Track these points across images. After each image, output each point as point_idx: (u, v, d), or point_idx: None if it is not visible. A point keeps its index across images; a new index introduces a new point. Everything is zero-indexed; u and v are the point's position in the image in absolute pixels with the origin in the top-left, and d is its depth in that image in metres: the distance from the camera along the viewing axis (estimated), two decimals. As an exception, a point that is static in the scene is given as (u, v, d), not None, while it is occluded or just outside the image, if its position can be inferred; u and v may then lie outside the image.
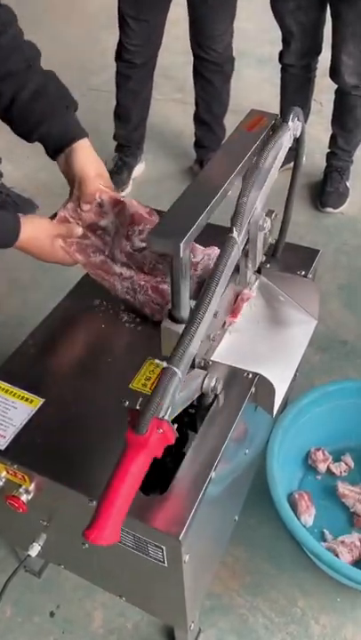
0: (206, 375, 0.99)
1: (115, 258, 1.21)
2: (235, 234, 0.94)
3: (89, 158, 1.18)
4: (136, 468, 0.79)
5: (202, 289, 0.90)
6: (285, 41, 2.32)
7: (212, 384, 0.99)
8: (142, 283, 1.18)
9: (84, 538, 0.77)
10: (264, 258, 1.21)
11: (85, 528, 0.77)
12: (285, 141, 1.09)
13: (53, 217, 1.22)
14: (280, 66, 2.43)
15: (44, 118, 1.16)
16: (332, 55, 2.21)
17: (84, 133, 1.18)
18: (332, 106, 2.41)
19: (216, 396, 1.06)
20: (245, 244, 1.09)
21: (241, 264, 1.16)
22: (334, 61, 2.22)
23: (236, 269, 1.16)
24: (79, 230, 1.21)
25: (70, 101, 1.21)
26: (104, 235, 1.22)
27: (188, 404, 0.96)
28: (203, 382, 0.98)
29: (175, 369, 0.81)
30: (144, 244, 1.18)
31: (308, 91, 2.49)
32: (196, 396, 1.00)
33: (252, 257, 1.14)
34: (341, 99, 2.34)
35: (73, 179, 1.19)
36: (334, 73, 2.25)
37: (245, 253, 1.13)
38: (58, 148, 1.18)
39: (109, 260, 1.21)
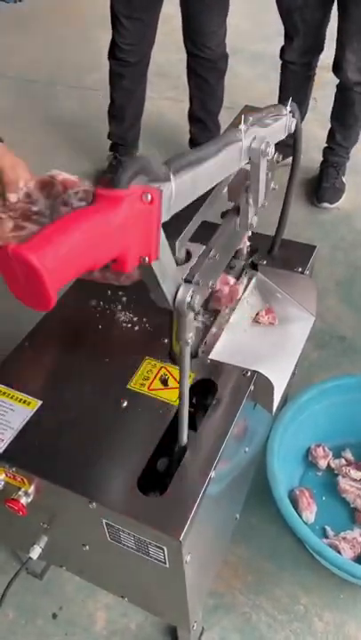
0: (181, 284, 0.82)
1: None
2: (242, 126, 0.89)
3: (3, 154, 1.17)
4: (100, 223, 0.57)
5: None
6: (288, 37, 2.30)
7: (188, 299, 0.81)
8: None
9: (9, 251, 0.56)
10: (266, 204, 1.13)
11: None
12: (281, 123, 1.06)
13: None
14: (280, 62, 2.42)
15: None
16: (337, 51, 2.21)
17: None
18: (333, 101, 2.40)
19: (214, 393, 1.05)
20: (246, 181, 1.04)
21: (242, 202, 1.09)
22: (338, 57, 2.21)
23: (237, 211, 1.10)
24: (9, 224, 1.16)
25: None
26: (40, 218, 1.17)
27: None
28: (176, 292, 0.82)
29: (169, 172, 0.68)
30: (83, 203, 1.12)
31: (307, 88, 2.47)
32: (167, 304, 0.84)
33: (254, 191, 1.07)
34: (342, 94, 2.33)
35: None
36: (337, 68, 2.24)
37: (246, 188, 1.07)
38: None
39: None
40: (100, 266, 0.62)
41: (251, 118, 0.93)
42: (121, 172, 0.60)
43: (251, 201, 1.09)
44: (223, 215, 1.10)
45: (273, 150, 1.00)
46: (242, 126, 0.90)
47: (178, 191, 0.71)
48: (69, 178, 1.16)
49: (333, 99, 2.39)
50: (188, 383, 0.92)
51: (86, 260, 0.58)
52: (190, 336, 0.87)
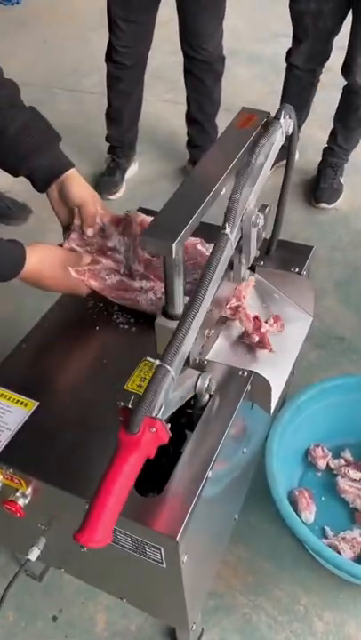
0: (200, 375, 0.98)
1: (132, 274, 1.20)
2: (227, 230, 0.93)
3: (83, 185, 1.21)
4: (128, 468, 0.77)
5: (196, 285, 0.89)
6: (297, 40, 2.30)
7: (206, 384, 0.99)
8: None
9: (74, 541, 0.76)
10: (258, 253, 1.20)
11: (76, 531, 0.76)
12: (277, 138, 1.08)
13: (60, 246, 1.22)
14: (277, 64, 2.43)
15: (32, 152, 1.17)
16: (347, 54, 2.21)
17: (72, 164, 1.21)
18: (338, 102, 2.40)
19: (211, 396, 1.05)
20: (239, 241, 1.08)
21: (235, 260, 1.15)
22: (348, 60, 2.22)
23: (230, 266, 1.15)
24: (88, 257, 1.20)
25: (55, 135, 1.21)
26: (115, 254, 1.21)
27: (182, 403, 0.95)
28: (197, 382, 0.98)
29: (168, 367, 0.80)
30: None
31: (309, 94, 2.47)
32: (191, 396, 1.00)
33: (246, 253, 1.13)
34: (348, 96, 2.34)
35: (69, 208, 1.20)
36: (347, 70, 2.25)
37: (239, 250, 1.12)
38: (47, 181, 1.19)
39: (126, 278, 1.20)
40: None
41: (236, 209, 0.96)
42: (134, 416, 0.77)
43: (243, 260, 1.15)
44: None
45: (263, 220, 1.06)
46: (227, 230, 0.93)
47: (178, 366, 0.83)
48: (147, 219, 1.19)
49: (339, 99, 2.39)
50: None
51: (123, 499, 0.79)
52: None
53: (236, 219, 0.96)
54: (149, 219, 1.20)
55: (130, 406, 0.80)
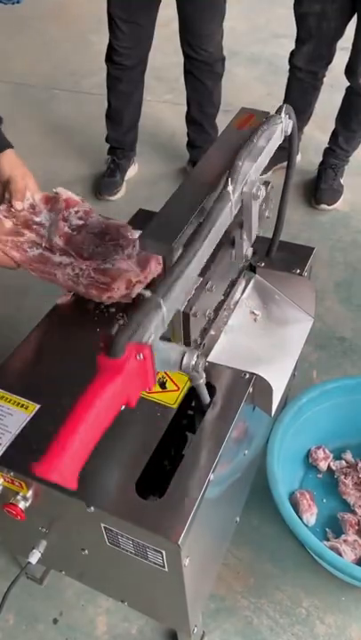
0: (186, 352, 0.87)
1: (53, 248, 1.23)
2: (230, 188, 0.91)
3: (14, 162, 1.26)
4: (106, 396, 0.65)
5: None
6: (300, 41, 2.29)
7: (193, 361, 0.86)
8: (83, 267, 1.20)
9: (30, 471, 0.64)
10: (260, 232, 1.17)
11: (34, 461, 0.65)
12: (277, 131, 1.07)
13: None
14: (276, 64, 2.43)
15: None
16: (351, 55, 2.21)
17: (10, 146, 1.27)
18: (340, 103, 2.40)
19: (212, 395, 1.05)
20: (240, 215, 1.06)
21: (236, 237, 1.12)
22: (352, 61, 2.21)
23: (232, 243, 1.13)
24: (8, 224, 1.24)
25: None
26: (39, 229, 1.25)
27: (164, 370, 0.87)
28: (182, 359, 0.87)
29: (159, 299, 0.72)
30: (81, 222, 1.22)
31: (312, 97, 2.46)
32: (176, 369, 0.89)
33: (247, 228, 1.10)
34: (350, 98, 2.33)
35: (1, 183, 1.26)
36: (350, 72, 2.24)
37: (240, 224, 1.10)
38: None
39: (47, 252, 1.23)
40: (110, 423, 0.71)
41: (239, 170, 0.94)
42: (117, 338, 0.67)
43: (245, 236, 1.13)
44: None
45: (264, 192, 1.03)
46: (229, 188, 0.92)
47: (170, 306, 0.76)
48: (73, 197, 1.25)
49: (341, 101, 2.39)
50: None
51: (99, 430, 0.67)
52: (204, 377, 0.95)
53: (238, 180, 0.93)
54: (75, 197, 1.26)
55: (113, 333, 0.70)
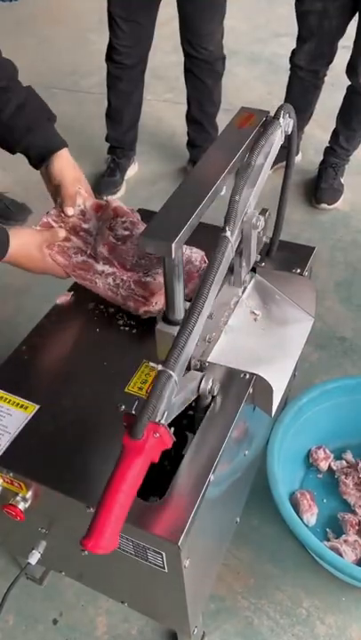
0: (203, 377, 0.98)
1: (97, 257, 1.23)
2: (228, 233, 0.93)
3: (67, 165, 1.26)
4: (133, 474, 0.77)
5: (195, 290, 0.89)
6: (301, 39, 2.29)
7: (209, 386, 0.98)
8: (125, 278, 1.19)
9: (81, 547, 0.76)
10: (258, 257, 1.20)
11: (83, 537, 0.76)
12: (277, 138, 1.08)
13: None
14: (276, 64, 2.42)
15: (27, 132, 1.23)
16: (352, 54, 2.20)
17: (65, 144, 1.26)
18: (341, 102, 2.40)
19: (213, 397, 1.05)
20: (239, 245, 1.07)
21: (235, 264, 1.15)
22: (353, 60, 2.21)
23: (230, 270, 1.15)
24: (62, 232, 1.24)
25: (50, 114, 1.27)
26: (86, 236, 1.25)
27: (185, 406, 0.95)
28: (200, 384, 0.98)
29: (170, 372, 0.80)
30: (127, 232, 1.22)
31: (313, 96, 2.45)
32: (193, 399, 0.99)
33: (247, 256, 1.13)
34: (351, 97, 2.33)
35: (54, 185, 1.26)
36: (351, 71, 2.24)
37: (239, 253, 1.12)
38: (41, 159, 1.25)
39: (91, 259, 1.23)
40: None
41: (235, 210, 0.96)
42: (137, 423, 0.77)
43: (244, 263, 1.15)
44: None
45: (263, 222, 1.06)
46: (227, 232, 0.93)
47: (180, 369, 0.83)
48: (122, 207, 1.26)
49: (342, 100, 2.38)
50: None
51: (129, 504, 0.78)
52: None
53: (236, 221, 0.95)
54: (124, 207, 1.26)
55: (133, 412, 0.80)
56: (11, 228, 1.15)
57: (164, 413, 0.80)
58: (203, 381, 0.98)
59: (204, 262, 1.22)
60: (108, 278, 1.20)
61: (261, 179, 1.04)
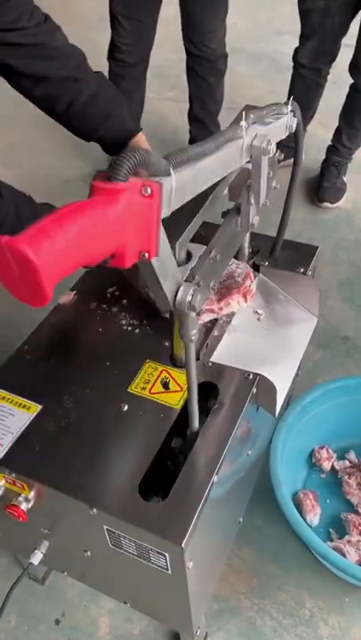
0: (181, 286, 0.81)
1: None
2: (243, 123, 0.88)
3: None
4: (97, 217, 0.54)
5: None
6: (303, 37, 2.27)
7: (188, 298, 0.80)
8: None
9: (2, 243, 0.53)
10: (267, 202, 1.12)
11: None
12: (282, 121, 1.05)
13: None
14: (279, 62, 2.41)
15: (102, 120, 1.23)
16: (355, 52, 2.19)
17: (138, 130, 1.26)
18: (344, 100, 2.38)
19: (216, 397, 1.04)
20: (248, 180, 1.03)
21: (243, 201, 1.07)
22: (356, 58, 2.20)
23: (237, 211, 1.08)
24: None
25: (122, 100, 1.27)
26: None
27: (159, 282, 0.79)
28: (176, 293, 0.81)
29: (171, 169, 0.67)
30: None
31: (316, 94, 2.44)
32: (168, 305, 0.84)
33: (256, 190, 1.06)
34: (354, 95, 2.32)
35: None
36: (353, 69, 2.23)
37: (247, 187, 1.06)
38: (117, 146, 1.25)
39: None
40: (98, 261, 0.61)
41: (252, 116, 0.92)
42: (120, 164, 0.59)
43: (252, 200, 1.08)
44: (224, 215, 1.09)
45: (274, 148, 0.99)
46: (243, 123, 0.89)
47: (178, 186, 0.69)
48: None
49: (345, 98, 2.37)
50: (195, 377, 0.92)
51: (83, 255, 0.57)
52: (194, 333, 0.87)
53: (252, 120, 0.91)
54: None
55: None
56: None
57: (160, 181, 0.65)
58: (181, 290, 0.79)
59: (250, 280, 1.18)
60: None
61: (268, 130, 0.99)
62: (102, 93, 1.23)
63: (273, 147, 0.97)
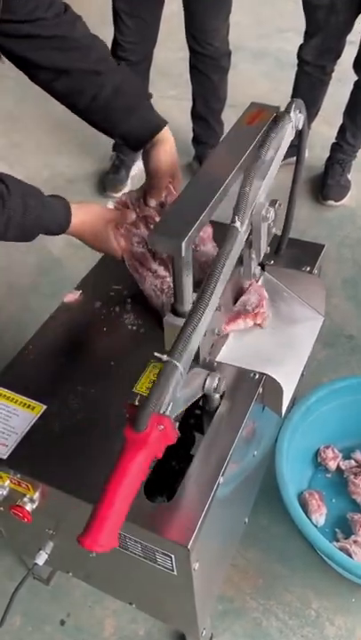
0: (208, 374, 0.96)
1: (155, 254, 1.20)
2: (237, 224, 0.91)
3: (166, 156, 1.22)
4: (135, 468, 0.73)
5: (203, 281, 0.86)
6: (308, 34, 2.26)
7: (215, 384, 0.96)
8: (171, 285, 1.16)
9: (78, 545, 0.72)
10: (268, 249, 1.17)
11: (80, 534, 0.72)
12: (288, 132, 1.05)
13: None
14: (282, 59, 2.39)
15: (125, 115, 1.19)
16: (360, 49, 2.18)
17: (164, 123, 1.21)
18: (348, 97, 2.37)
19: (222, 397, 1.03)
20: (249, 236, 1.05)
21: (245, 255, 1.12)
22: (360, 56, 2.19)
23: (240, 261, 1.13)
24: (133, 215, 1.20)
25: (144, 95, 1.23)
26: None
27: (190, 403, 0.93)
28: (205, 381, 0.95)
29: (176, 362, 0.77)
30: (192, 246, 1.19)
31: (320, 91, 2.42)
32: (200, 396, 0.97)
33: (257, 248, 1.10)
34: (358, 93, 2.30)
35: (149, 170, 1.22)
36: (358, 66, 2.22)
37: (249, 245, 1.09)
38: (140, 142, 1.22)
39: (149, 255, 1.20)
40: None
41: (246, 199, 0.94)
42: (141, 416, 0.73)
43: (253, 255, 1.12)
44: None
45: (274, 214, 1.03)
46: (237, 223, 0.91)
47: (187, 361, 0.80)
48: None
49: (349, 95, 2.36)
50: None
51: (131, 499, 0.74)
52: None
53: (246, 211, 0.93)
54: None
55: (137, 403, 0.77)
56: (78, 201, 1.12)
57: (169, 405, 0.77)
58: (208, 379, 0.95)
59: (262, 307, 1.18)
60: (157, 280, 1.18)
61: (271, 172, 1.02)
62: (126, 87, 1.18)
63: (272, 213, 1.02)
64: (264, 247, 1.13)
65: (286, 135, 1.06)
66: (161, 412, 0.76)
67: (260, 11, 3.98)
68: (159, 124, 1.21)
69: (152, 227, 1.18)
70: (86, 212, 1.12)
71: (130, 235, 1.19)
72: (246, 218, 0.93)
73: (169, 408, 0.77)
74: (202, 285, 0.86)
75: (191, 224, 0.86)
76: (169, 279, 1.17)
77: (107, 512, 0.72)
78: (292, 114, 1.05)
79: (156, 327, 1.17)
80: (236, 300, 1.18)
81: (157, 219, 1.21)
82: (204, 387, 0.96)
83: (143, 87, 1.24)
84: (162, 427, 0.74)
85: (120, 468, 0.74)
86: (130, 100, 1.18)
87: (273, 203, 1.05)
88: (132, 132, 1.20)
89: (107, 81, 1.16)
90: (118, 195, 2.59)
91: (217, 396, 1.01)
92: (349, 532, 1.43)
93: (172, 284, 1.15)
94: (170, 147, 1.22)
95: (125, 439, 0.75)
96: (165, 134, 1.21)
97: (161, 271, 1.18)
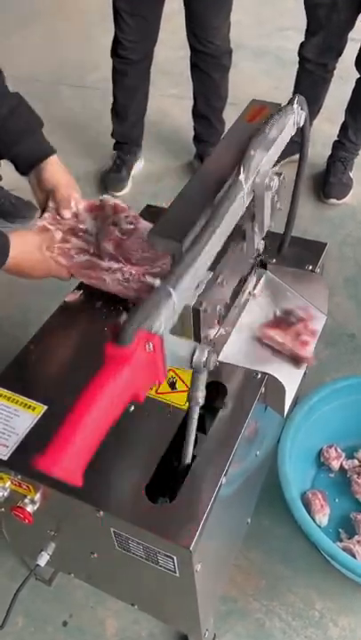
0: (197, 346, 0.82)
1: (102, 254, 1.22)
2: (242, 177, 0.88)
3: (60, 170, 1.27)
4: (113, 387, 0.61)
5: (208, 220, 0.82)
6: (309, 32, 2.26)
7: (204, 357, 0.81)
8: (133, 272, 1.18)
9: (33, 466, 0.60)
10: (272, 224, 1.13)
11: (37, 453, 0.61)
12: (290, 123, 1.04)
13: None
14: (282, 58, 2.38)
15: (17, 138, 1.24)
16: None
17: (53, 151, 1.27)
18: (350, 95, 2.36)
19: (223, 397, 1.03)
20: (252, 207, 1.03)
21: (247, 229, 1.09)
22: None
23: (243, 237, 1.09)
24: (58, 234, 1.23)
25: (37, 121, 1.29)
26: (87, 236, 1.25)
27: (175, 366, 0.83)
28: (193, 354, 0.81)
29: (170, 289, 0.69)
30: (132, 226, 1.22)
31: (321, 89, 2.41)
32: (186, 367, 0.85)
33: (260, 221, 1.06)
34: (359, 90, 2.30)
35: (45, 191, 1.26)
36: (360, 63, 2.21)
37: (252, 217, 1.06)
38: (28, 166, 1.26)
39: (95, 258, 1.22)
40: (118, 418, 0.67)
41: (252, 152, 0.91)
42: (126, 324, 0.63)
43: (256, 229, 1.09)
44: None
45: (277, 183, 0.99)
46: (241, 176, 0.88)
47: (181, 296, 0.72)
48: (120, 204, 1.27)
49: (351, 92, 2.35)
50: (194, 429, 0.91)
51: (104, 427, 0.63)
52: (201, 395, 0.86)
53: (251, 169, 0.90)
54: (123, 204, 1.26)
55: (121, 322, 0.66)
56: (10, 231, 1.13)
57: (160, 326, 0.67)
58: (197, 351, 0.80)
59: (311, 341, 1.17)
60: (116, 274, 1.19)
61: (274, 152, 0.99)
62: (22, 110, 1.25)
63: (275, 182, 0.98)
64: (268, 221, 1.08)
65: (288, 126, 1.03)
66: (153, 330, 0.65)
67: (261, 9, 3.97)
68: (50, 149, 1.27)
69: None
70: (22, 243, 1.14)
71: (66, 251, 1.21)
72: (251, 176, 0.89)
73: (161, 328, 0.67)
74: (205, 224, 0.81)
75: (192, 223, 0.86)
76: (125, 268, 1.18)
77: (73, 431, 0.60)
78: (295, 106, 1.03)
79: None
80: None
81: (81, 226, 1.25)
82: (192, 361, 0.82)
83: (37, 114, 1.29)
84: (150, 346, 0.63)
85: (95, 384, 0.62)
86: (24, 124, 1.24)
87: (277, 174, 1.01)
88: (22, 156, 1.25)
89: (3, 103, 1.22)
90: (120, 194, 2.59)
91: (204, 375, 0.86)
92: (353, 532, 1.42)
93: (132, 271, 1.17)
94: (60, 164, 1.27)
95: (104, 356, 0.63)
96: (55, 159, 1.26)
97: (115, 265, 1.20)
